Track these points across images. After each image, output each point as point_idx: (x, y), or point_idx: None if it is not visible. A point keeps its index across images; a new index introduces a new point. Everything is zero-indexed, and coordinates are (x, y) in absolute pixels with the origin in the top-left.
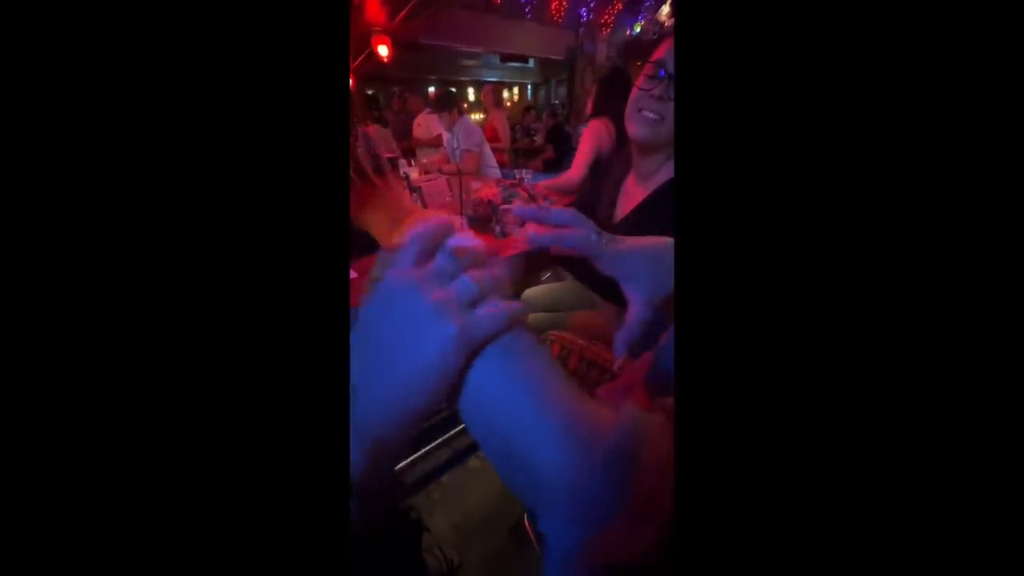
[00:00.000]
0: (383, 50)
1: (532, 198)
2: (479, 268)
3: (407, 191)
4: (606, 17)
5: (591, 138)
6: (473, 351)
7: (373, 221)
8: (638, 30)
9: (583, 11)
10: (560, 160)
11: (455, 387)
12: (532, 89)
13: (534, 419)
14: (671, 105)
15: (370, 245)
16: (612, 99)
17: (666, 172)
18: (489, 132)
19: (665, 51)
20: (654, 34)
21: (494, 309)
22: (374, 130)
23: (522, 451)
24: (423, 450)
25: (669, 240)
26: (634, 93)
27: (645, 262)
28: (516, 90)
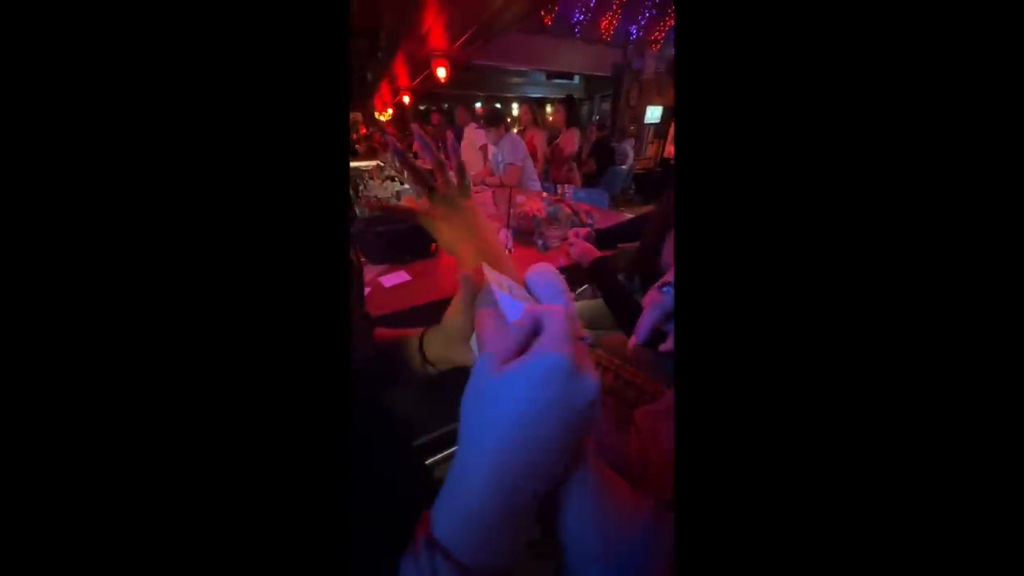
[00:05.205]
0: (441, 72)
1: (575, 213)
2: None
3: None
4: (657, 34)
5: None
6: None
7: (454, 241)
8: None
9: (633, 28)
10: (601, 174)
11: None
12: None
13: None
14: None
15: (425, 250)
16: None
17: None
18: (530, 148)
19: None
20: None
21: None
22: (450, 137)
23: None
24: (444, 453)
25: None
26: None
27: None
28: None
